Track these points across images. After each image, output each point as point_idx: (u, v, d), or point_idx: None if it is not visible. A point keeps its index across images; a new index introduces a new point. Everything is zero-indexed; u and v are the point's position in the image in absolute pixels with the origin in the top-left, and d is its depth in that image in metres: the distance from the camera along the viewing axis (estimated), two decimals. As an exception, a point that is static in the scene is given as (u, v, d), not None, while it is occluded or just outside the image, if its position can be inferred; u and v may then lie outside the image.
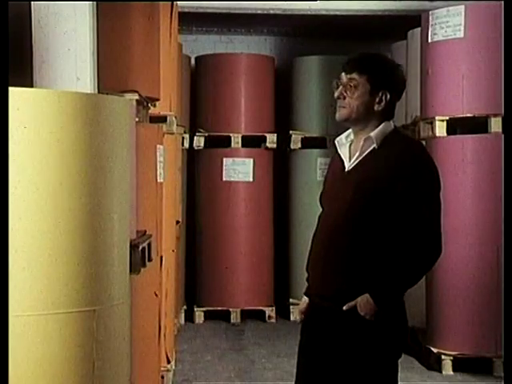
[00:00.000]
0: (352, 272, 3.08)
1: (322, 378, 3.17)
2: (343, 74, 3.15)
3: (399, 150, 3.08)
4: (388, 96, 3.12)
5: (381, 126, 3.12)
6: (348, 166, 3.16)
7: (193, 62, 8.53)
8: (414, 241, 3.03)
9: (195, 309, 8.02)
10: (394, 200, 3.02)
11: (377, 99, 3.12)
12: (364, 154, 3.12)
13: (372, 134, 3.11)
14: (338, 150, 3.23)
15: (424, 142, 6.42)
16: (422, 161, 3.10)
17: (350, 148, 3.19)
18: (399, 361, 3.18)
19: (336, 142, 3.25)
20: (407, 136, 3.31)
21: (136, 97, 4.08)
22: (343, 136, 3.23)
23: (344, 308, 3.05)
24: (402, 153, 3.07)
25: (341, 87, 3.14)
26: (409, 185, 3.02)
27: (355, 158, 3.14)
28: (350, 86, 3.11)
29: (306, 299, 3.30)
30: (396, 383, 3.15)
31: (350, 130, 3.22)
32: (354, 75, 3.11)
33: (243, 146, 8.06)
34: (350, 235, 3.08)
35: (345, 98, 3.12)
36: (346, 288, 3.08)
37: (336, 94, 3.15)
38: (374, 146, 3.10)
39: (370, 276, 3.05)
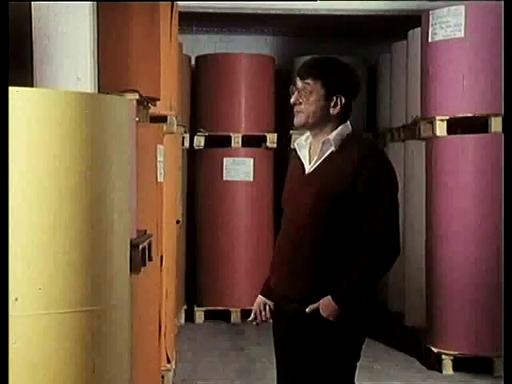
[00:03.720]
0: (316, 274, 3.12)
1: (291, 376, 3.22)
2: (298, 79, 3.18)
3: (358, 152, 3.12)
4: (343, 100, 3.15)
5: (338, 129, 3.16)
6: (308, 168, 3.19)
7: (193, 61, 8.53)
8: (372, 241, 3.06)
9: (195, 308, 8.02)
10: (354, 201, 3.06)
11: (332, 103, 3.15)
12: (323, 157, 3.15)
13: (330, 136, 3.14)
14: (298, 153, 3.25)
15: (424, 142, 6.44)
16: (380, 162, 3.13)
17: (309, 150, 3.22)
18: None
19: (296, 144, 3.28)
20: (364, 138, 3.36)
21: (136, 96, 4.07)
22: (302, 138, 3.27)
23: (307, 310, 3.09)
24: (360, 155, 3.10)
25: (296, 93, 3.17)
26: (368, 186, 3.06)
27: (315, 160, 3.17)
28: (305, 92, 3.14)
29: (261, 299, 3.35)
30: None
31: (309, 133, 3.24)
32: (309, 80, 3.14)
33: (243, 145, 8.06)
34: (312, 238, 3.11)
35: (301, 103, 3.16)
36: (310, 290, 3.12)
37: (292, 100, 3.19)
38: (333, 148, 3.13)
39: (334, 278, 3.08)
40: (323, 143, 3.14)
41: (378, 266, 3.10)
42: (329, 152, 3.14)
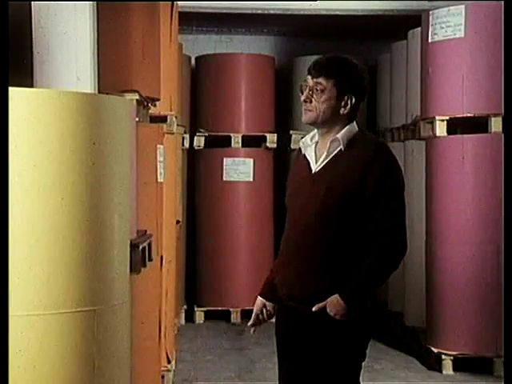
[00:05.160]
0: (322, 274, 3.11)
1: (295, 376, 3.20)
2: (309, 77, 3.16)
3: (366, 150, 3.11)
4: (353, 100, 3.14)
5: (346, 128, 3.15)
6: (315, 167, 3.17)
7: (193, 61, 8.53)
8: (380, 240, 3.07)
9: (195, 309, 8.02)
10: (360, 201, 3.06)
11: (343, 103, 3.14)
12: (331, 156, 3.14)
13: (338, 135, 3.13)
14: (304, 151, 3.24)
15: (424, 142, 6.44)
16: (388, 161, 3.13)
17: (315, 149, 3.21)
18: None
19: (301, 143, 3.26)
20: (371, 137, 3.33)
21: (136, 97, 4.08)
22: (308, 137, 3.25)
23: (313, 309, 3.08)
24: (368, 154, 3.10)
25: (307, 90, 3.15)
26: (376, 185, 3.06)
27: (322, 159, 3.16)
28: (317, 90, 3.12)
29: (261, 300, 3.34)
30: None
31: (315, 131, 3.23)
32: (321, 79, 3.12)
33: (243, 145, 8.06)
34: (320, 237, 3.10)
35: (311, 101, 3.14)
36: (316, 290, 3.10)
37: (302, 98, 3.16)
38: (341, 147, 3.13)
39: (342, 277, 3.08)
40: (331, 142, 3.13)
41: (385, 265, 3.10)
42: (336, 151, 3.14)
